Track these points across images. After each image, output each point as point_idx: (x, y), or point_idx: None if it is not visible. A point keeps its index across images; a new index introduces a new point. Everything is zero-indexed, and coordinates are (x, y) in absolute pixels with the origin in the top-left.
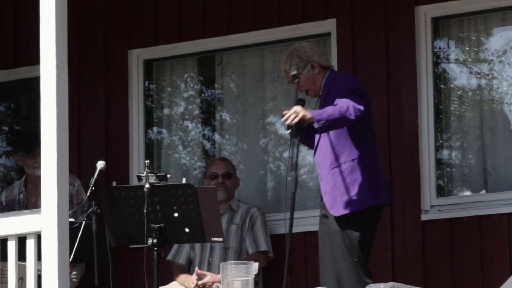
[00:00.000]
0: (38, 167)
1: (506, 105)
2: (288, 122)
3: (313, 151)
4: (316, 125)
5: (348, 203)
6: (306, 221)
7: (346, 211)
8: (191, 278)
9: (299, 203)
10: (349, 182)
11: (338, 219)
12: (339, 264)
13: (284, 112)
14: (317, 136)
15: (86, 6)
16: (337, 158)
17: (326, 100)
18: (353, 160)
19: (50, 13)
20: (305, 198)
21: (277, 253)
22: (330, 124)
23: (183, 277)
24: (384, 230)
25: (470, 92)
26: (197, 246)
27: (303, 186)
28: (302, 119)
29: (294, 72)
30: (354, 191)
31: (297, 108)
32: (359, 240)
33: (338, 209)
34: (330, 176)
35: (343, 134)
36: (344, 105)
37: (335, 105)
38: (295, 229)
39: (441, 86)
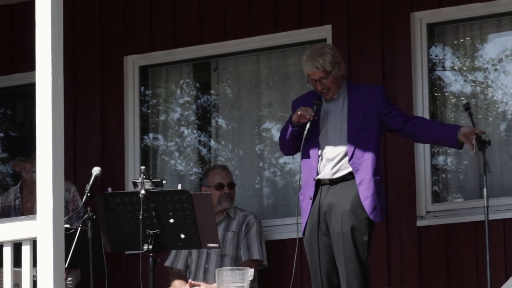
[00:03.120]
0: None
1: (501, 113)
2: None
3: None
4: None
5: (384, 212)
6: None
7: (383, 219)
8: None
9: (295, 209)
10: (383, 192)
11: (351, 221)
12: (348, 266)
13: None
14: (351, 143)
15: (81, 13)
16: (378, 167)
17: (365, 109)
18: (382, 174)
19: (45, 19)
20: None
21: (273, 259)
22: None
23: (177, 283)
24: (379, 236)
25: (465, 100)
26: (194, 252)
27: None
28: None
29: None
30: (384, 201)
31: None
32: (366, 243)
33: (377, 216)
34: (372, 182)
35: (379, 147)
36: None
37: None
38: (291, 235)
39: (437, 94)
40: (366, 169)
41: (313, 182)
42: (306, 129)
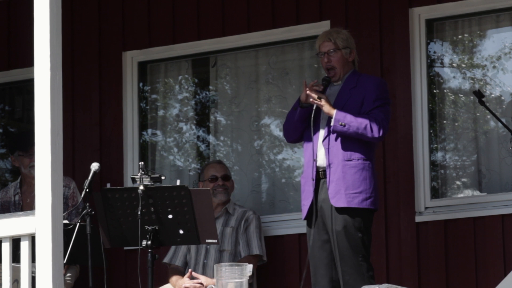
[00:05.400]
0: (35, 167)
1: (499, 110)
2: (307, 93)
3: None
4: (332, 123)
5: (352, 198)
6: (301, 223)
7: (346, 205)
8: (182, 280)
9: (293, 205)
10: (358, 178)
11: (343, 218)
12: (344, 264)
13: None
14: (328, 124)
15: (80, 8)
16: (354, 152)
17: (351, 94)
18: (365, 159)
19: (44, 15)
20: (300, 200)
21: (271, 255)
22: (347, 132)
23: (175, 279)
24: (378, 232)
25: (463, 97)
26: (192, 248)
27: (298, 188)
28: (319, 105)
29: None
30: (360, 188)
31: (325, 98)
32: (362, 240)
33: (339, 201)
34: (340, 167)
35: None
36: (373, 127)
37: (370, 117)
38: (290, 231)
39: (435, 90)
40: (337, 152)
41: (314, 163)
42: (314, 108)
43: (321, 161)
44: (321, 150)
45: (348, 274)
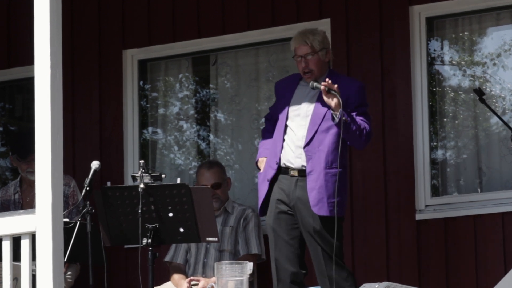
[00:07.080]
0: (32, 172)
1: (500, 107)
2: (326, 85)
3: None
4: (337, 116)
5: (333, 207)
6: None
7: (328, 214)
8: (183, 284)
9: None
10: (338, 187)
11: (322, 220)
12: (327, 264)
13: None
14: (311, 129)
15: (80, 6)
16: (333, 160)
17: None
18: (345, 168)
19: (44, 13)
20: None
21: None
22: (347, 129)
23: (176, 277)
24: (378, 230)
25: (464, 95)
26: (193, 247)
27: None
28: (335, 96)
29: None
30: (339, 196)
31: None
32: (340, 241)
33: (321, 209)
34: (322, 175)
35: (340, 141)
36: (368, 132)
37: (365, 121)
38: None
39: (435, 88)
40: (319, 160)
41: (275, 166)
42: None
43: (297, 162)
44: (296, 151)
45: (332, 269)
